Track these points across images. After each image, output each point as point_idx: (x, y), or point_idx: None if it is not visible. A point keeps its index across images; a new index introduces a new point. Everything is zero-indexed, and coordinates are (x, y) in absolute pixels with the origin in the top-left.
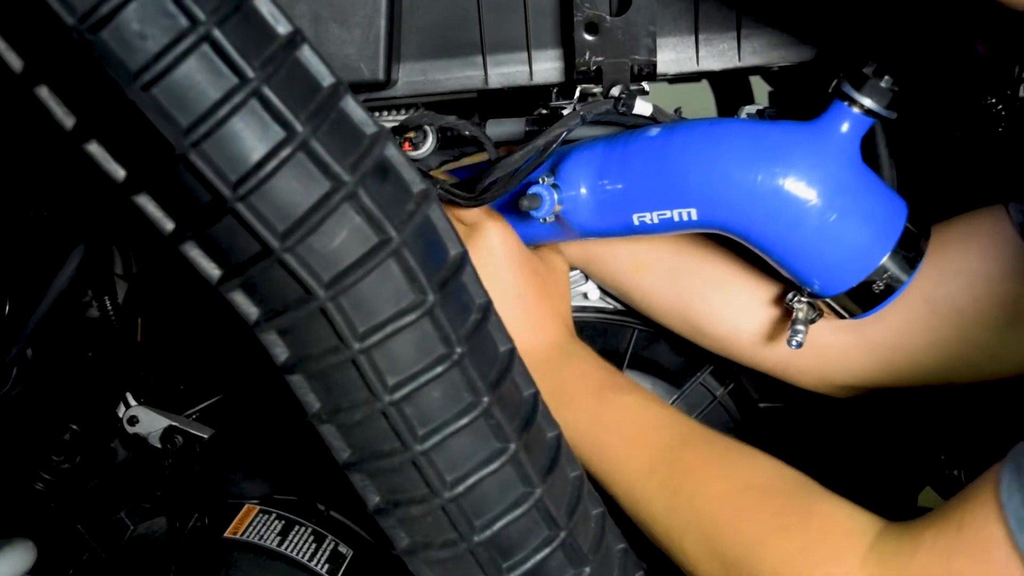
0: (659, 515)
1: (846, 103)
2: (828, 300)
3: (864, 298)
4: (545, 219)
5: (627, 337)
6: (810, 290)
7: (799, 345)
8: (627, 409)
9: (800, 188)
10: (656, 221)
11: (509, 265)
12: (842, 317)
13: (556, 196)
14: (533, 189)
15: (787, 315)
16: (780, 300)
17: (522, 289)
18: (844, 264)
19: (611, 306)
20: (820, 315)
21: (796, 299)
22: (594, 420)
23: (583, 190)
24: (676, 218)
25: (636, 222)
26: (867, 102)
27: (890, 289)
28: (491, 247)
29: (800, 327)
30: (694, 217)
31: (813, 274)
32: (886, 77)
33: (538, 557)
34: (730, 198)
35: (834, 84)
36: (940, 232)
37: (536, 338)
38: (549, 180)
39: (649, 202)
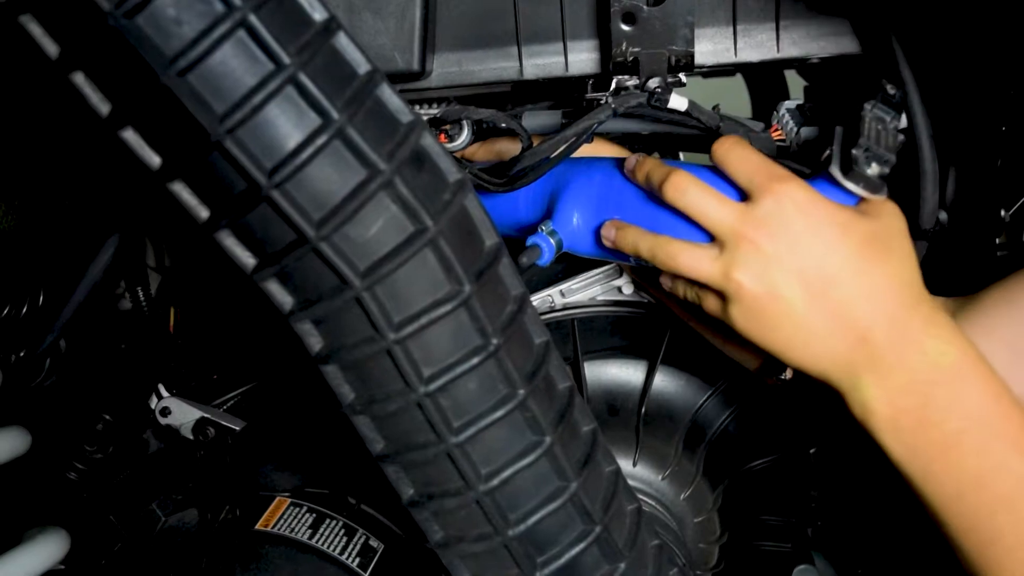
0: None
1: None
2: None
3: None
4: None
5: (659, 333)
6: None
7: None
8: None
9: None
10: None
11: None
12: None
13: (556, 241)
14: (531, 240)
15: None
16: None
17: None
18: None
19: (646, 300)
20: None
21: None
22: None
23: (578, 222)
24: None
25: None
26: (851, 186)
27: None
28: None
29: None
30: None
31: None
32: (873, 164)
33: (573, 552)
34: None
35: (825, 155)
36: (1018, 278)
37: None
38: (547, 228)
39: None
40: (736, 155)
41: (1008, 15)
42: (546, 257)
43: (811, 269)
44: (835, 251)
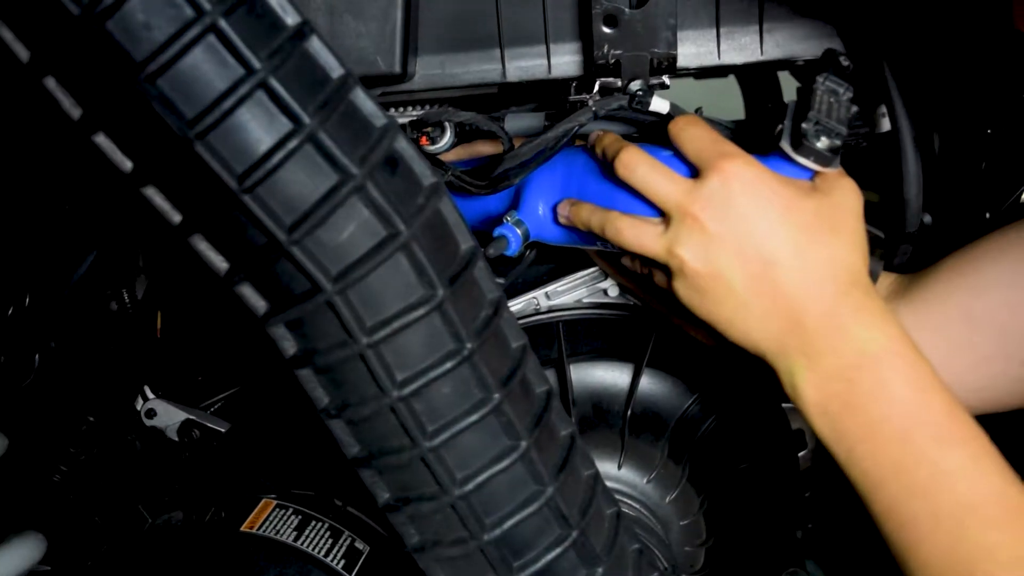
0: None
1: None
2: None
3: None
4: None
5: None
6: None
7: None
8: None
9: None
10: None
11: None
12: None
13: (522, 230)
14: (498, 231)
15: None
16: None
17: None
18: None
19: (632, 302)
20: None
21: None
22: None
23: (543, 210)
24: None
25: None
26: (802, 160)
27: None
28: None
29: None
30: None
31: None
32: (823, 138)
33: (549, 556)
34: None
35: (778, 129)
36: (975, 247)
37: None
38: (513, 218)
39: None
40: (688, 133)
41: (992, 18)
42: (513, 247)
43: (751, 249)
44: (776, 231)
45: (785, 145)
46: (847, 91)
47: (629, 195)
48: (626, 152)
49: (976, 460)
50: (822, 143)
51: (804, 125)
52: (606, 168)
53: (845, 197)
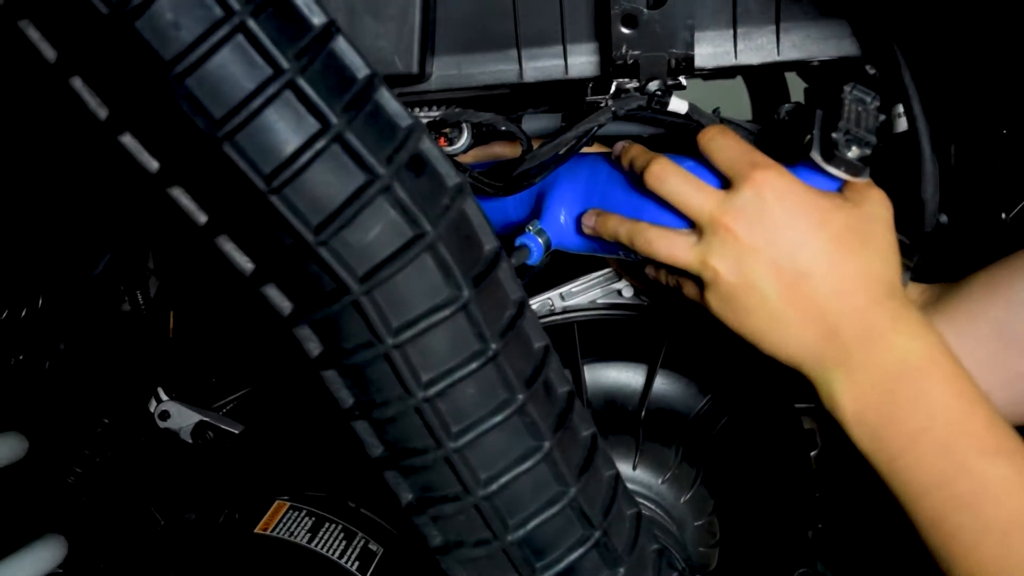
0: None
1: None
2: None
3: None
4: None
5: (659, 336)
6: None
7: None
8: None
9: None
10: None
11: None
12: None
13: (544, 240)
14: (519, 240)
15: None
16: None
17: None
18: None
19: (646, 303)
20: None
21: None
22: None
23: (565, 219)
24: None
25: None
26: (833, 171)
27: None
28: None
29: None
30: None
31: None
32: (853, 148)
33: (572, 557)
34: None
35: (807, 139)
36: (1007, 263)
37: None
38: (535, 227)
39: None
40: (718, 143)
41: (1008, 17)
42: (535, 256)
43: (785, 260)
44: (810, 242)
45: (816, 155)
46: (874, 100)
47: (657, 206)
48: (656, 163)
49: (1021, 473)
50: (852, 153)
51: (834, 135)
52: (633, 179)
53: (876, 208)
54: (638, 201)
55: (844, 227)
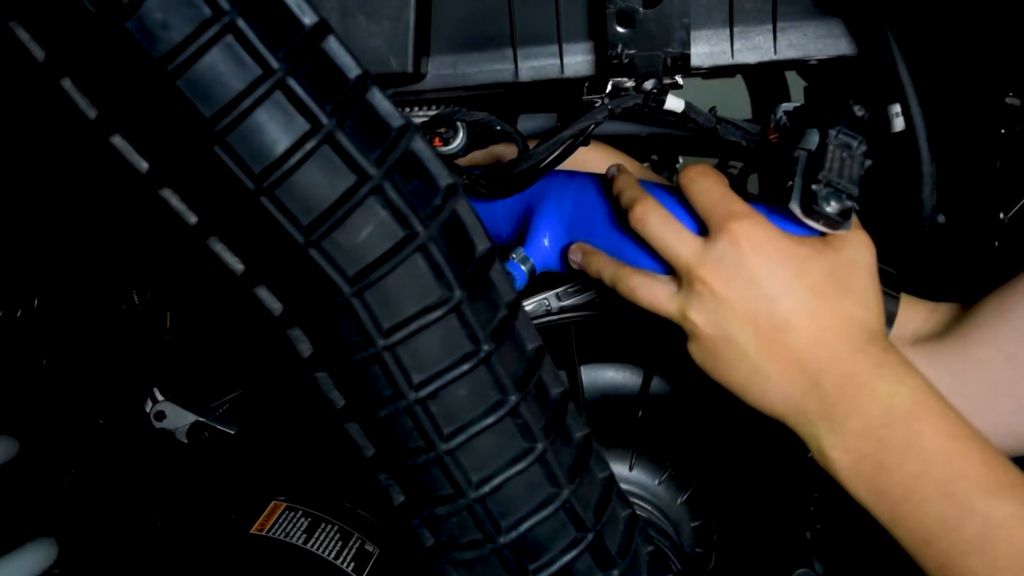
0: None
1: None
2: None
3: None
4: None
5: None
6: None
7: None
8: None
9: None
10: None
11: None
12: None
13: (528, 267)
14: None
15: None
16: None
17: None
18: None
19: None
20: None
21: None
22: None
23: (549, 243)
24: None
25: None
26: (812, 224)
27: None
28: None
29: None
30: None
31: None
32: (832, 202)
33: (565, 559)
34: None
35: (788, 185)
36: (1015, 286)
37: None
38: (519, 255)
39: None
40: (699, 186)
41: (1006, 16)
42: (519, 283)
43: (762, 314)
44: (788, 294)
45: (795, 207)
46: (860, 144)
47: (637, 246)
48: (640, 205)
49: None
50: (832, 208)
51: (814, 187)
52: (618, 212)
53: (857, 253)
54: (621, 237)
55: (822, 275)
